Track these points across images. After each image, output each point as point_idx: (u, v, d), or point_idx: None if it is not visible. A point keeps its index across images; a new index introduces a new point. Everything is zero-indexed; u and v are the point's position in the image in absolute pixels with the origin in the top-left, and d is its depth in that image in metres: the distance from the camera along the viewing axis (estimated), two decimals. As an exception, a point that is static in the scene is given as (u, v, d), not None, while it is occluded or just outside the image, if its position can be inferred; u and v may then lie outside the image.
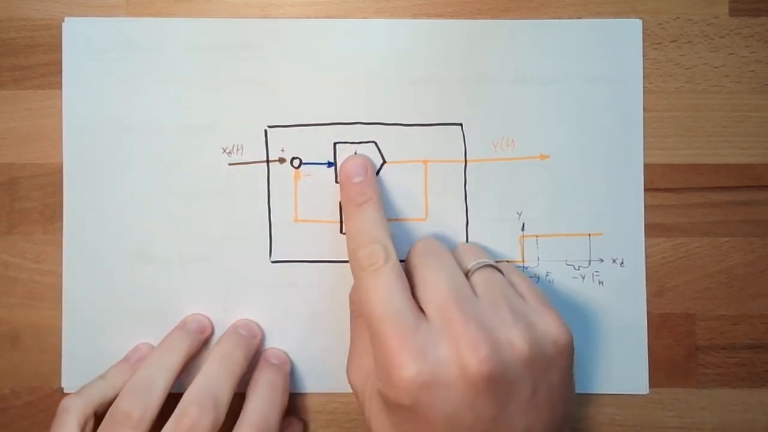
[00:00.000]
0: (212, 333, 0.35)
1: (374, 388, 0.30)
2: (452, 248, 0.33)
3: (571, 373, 0.30)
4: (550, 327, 0.28)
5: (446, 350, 0.27)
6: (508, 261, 0.35)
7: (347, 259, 0.34)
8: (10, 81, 0.35)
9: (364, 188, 0.32)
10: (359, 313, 0.32)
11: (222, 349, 0.33)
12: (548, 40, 0.35)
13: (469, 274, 0.30)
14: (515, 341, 0.27)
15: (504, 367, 0.27)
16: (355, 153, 0.35)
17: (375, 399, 0.30)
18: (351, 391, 0.33)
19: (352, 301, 0.34)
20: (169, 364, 0.32)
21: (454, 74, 0.35)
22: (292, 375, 0.35)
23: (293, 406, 0.35)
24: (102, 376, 0.33)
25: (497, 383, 0.27)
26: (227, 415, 0.30)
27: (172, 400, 0.31)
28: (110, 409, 0.31)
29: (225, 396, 0.31)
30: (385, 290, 0.28)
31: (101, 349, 0.35)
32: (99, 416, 0.31)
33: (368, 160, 0.34)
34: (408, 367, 0.27)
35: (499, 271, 0.31)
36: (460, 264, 0.31)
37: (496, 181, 0.35)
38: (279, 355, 0.35)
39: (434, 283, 0.29)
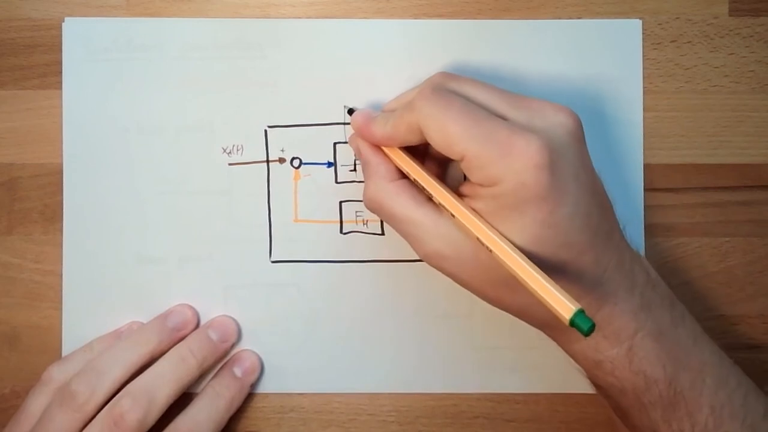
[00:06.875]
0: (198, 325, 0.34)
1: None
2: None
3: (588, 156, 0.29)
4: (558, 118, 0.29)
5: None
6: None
7: (347, 259, 0.34)
8: (10, 81, 0.35)
9: None
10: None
11: (181, 351, 0.32)
12: (548, 40, 0.35)
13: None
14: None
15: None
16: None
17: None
18: (350, 391, 0.33)
19: None
20: (129, 357, 0.32)
21: (454, 74, 0.35)
22: (291, 375, 0.35)
23: (293, 406, 0.35)
24: (87, 347, 0.33)
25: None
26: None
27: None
28: (62, 384, 0.31)
29: (162, 399, 0.31)
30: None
31: (101, 349, 0.35)
32: None
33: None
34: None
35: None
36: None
37: (496, 181, 0.35)
38: (246, 363, 0.34)
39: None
